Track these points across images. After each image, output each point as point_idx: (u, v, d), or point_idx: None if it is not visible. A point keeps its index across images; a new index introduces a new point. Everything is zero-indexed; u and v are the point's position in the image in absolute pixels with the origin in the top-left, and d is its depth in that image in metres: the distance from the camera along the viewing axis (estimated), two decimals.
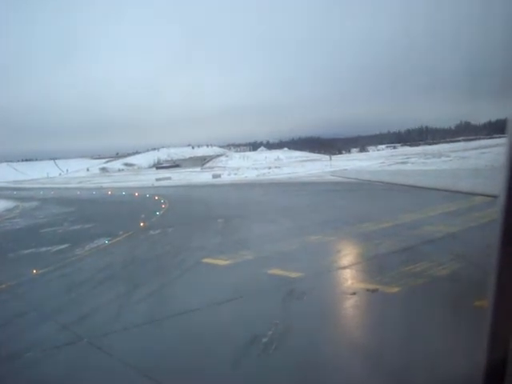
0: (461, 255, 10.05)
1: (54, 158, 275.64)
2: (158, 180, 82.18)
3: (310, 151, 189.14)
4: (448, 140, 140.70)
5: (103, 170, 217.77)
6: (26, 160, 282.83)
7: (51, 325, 8.27)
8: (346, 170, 49.93)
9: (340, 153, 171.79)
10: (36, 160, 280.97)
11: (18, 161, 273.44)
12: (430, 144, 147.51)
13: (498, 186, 1.60)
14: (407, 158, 75.51)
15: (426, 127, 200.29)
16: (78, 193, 61.25)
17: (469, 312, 6.23)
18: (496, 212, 1.55)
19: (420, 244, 11.61)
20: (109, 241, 16.75)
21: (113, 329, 7.65)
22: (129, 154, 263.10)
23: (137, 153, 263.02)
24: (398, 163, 65.17)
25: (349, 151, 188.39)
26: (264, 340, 6.35)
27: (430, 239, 12.01)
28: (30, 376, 6.27)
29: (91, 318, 8.25)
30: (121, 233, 18.29)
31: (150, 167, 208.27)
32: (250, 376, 5.70)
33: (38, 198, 54.51)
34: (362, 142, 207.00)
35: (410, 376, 5.20)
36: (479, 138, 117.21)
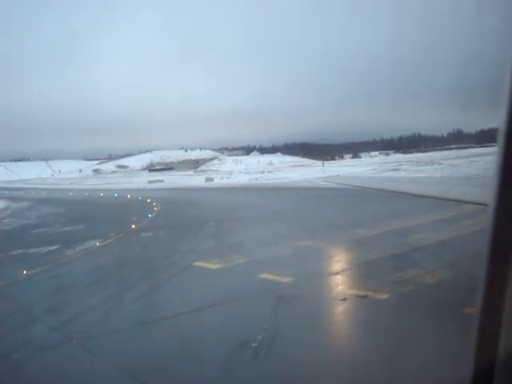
0: (450, 263, 10.09)
1: (46, 159, 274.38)
2: (150, 182, 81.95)
3: (302, 156, 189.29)
4: (440, 148, 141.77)
5: (96, 171, 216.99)
6: (18, 160, 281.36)
7: (39, 326, 8.21)
8: (338, 175, 50.02)
9: (333, 159, 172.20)
10: (28, 160, 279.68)
11: (10, 161, 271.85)
12: (422, 151, 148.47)
13: (488, 195, 1.61)
14: (399, 165, 75.75)
15: (419, 135, 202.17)
16: (70, 194, 60.97)
17: (459, 319, 6.24)
18: (486, 220, 1.55)
19: (410, 251, 11.63)
20: (100, 243, 16.67)
21: (101, 331, 7.60)
22: (122, 156, 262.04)
23: (130, 155, 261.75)
24: (390, 170, 65.31)
25: (341, 157, 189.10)
26: (254, 345, 6.33)
27: (419, 246, 12.02)
28: (17, 377, 6.22)
29: (80, 320, 8.20)
30: (112, 235, 18.22)
31: (143, 169, 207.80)
32: (238, 381, 5.67)
33: (29, 198, 54.24)
34: (354, 149, 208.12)
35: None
36: (471, 147, 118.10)
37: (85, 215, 29.73)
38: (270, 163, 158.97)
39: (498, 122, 1.54)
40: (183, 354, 6.53)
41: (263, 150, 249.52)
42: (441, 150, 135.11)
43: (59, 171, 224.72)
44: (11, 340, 7.63)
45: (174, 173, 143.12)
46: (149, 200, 36.55)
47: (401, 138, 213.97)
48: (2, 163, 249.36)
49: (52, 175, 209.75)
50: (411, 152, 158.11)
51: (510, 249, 1.45)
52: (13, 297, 10.47)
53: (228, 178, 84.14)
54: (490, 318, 1.49)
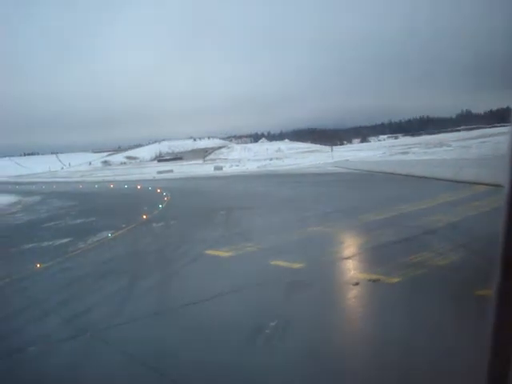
0: (462, 245, 10.04)
1: (56, 152, 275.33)
2: (159, 173, 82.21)
3: (311, 142, 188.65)
4: (449, 129, 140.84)
5: (105, 163, 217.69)
6: (28, 154, 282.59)
7: (54, 319, 8.29)
8: (347, 160, 49.87)
9: (341, 143, 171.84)
10: (38, 154, 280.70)
11: (20, 155, 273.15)
12: (431, 134, 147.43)
13: (500, 175, 1.57)
14: (409, 148, 75.44)
15: (428, 117, 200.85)
16: (81, 186, 61.16)
17: (470, 301, 6.24)
18: (500, 201, 1.50)
19: (421, 234, 11.61)
20: (112, 234, 16.77)
21: (117, 321, 7.65)
22: (130, 147, 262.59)
23: (139, 146, 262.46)
24: (399, 153, 65.03)
25: (350, 142, 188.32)
26: (267, 331, 6.37)
27: (431, 229, 12.00)
28: (34, 369, 6.30)
29: (94, 311, 8.27)
30: (123, 226, 18.30)
31: (152, 160, 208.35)
32: (254, 366, 5.70)
33: (40, 192, 54.44)
34: (363, 133, 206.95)
35: (407, 370, 5.19)
36: (480, 127, 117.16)
37: (96, 207, 29.88)
38: (279, 150, 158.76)
39: (509, 102, 1.51)
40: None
41: (271, 137, 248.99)
42: (450, 131, 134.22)
43: (69, 164, 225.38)
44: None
45: (184, 162, 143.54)
46: (159, 190, 36.62)
47: (409, 121, 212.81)
48: (12, 158, 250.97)
49: (62, 168, 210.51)
50: (420, 134, 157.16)
51: None
52: (27, 289, 10.59)
53: (237, 165, 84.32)
54: (504, 334, 1.40)
